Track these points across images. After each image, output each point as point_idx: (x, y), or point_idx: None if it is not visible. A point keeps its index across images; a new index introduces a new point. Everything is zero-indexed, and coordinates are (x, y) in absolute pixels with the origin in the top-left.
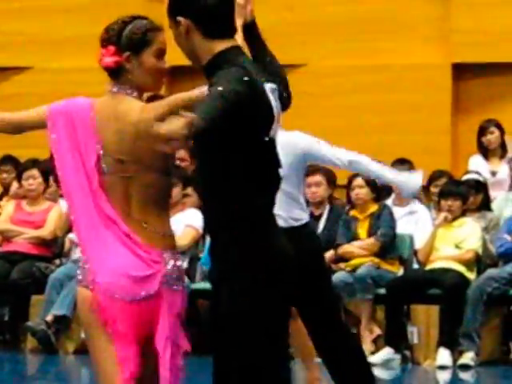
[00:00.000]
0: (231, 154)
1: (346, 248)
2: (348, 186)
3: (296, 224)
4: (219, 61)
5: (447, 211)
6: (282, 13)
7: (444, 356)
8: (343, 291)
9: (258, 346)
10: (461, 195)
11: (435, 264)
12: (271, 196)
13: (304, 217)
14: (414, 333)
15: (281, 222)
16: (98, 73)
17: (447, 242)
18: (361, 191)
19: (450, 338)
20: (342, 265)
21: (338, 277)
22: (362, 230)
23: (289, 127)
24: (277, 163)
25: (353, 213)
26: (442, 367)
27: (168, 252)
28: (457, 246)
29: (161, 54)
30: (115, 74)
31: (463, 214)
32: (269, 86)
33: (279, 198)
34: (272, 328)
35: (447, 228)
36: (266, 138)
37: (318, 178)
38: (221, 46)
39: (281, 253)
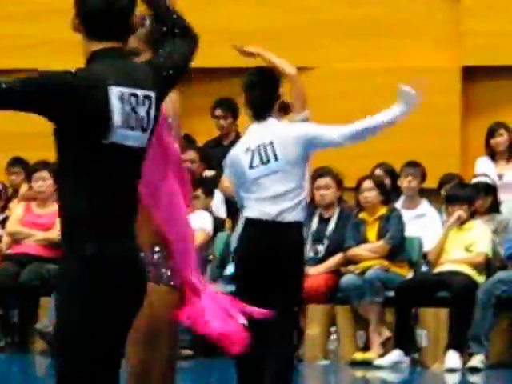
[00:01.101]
0: (64, 151)
1: (355, 251)
2: (357, 189)
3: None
4: (89, 60)
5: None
6: (294, 15)
7: (453, 359)
8: (352, 294)
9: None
10: (467, 199)
11: (444, 267)
12: (108, 203)
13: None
14: (422, 335)
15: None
16: None
17: (457, 244)
18: (370, 194)
19: (459, 341)
20: (351, 267)
21: (347, 280)
22: (371, 232)
23: None
24: (125, 171)
25: (362, 215)
26: (451, 370)
27: None
28: (466, 249)
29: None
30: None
31: (472, 216)
32: (128, 92)
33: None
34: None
35: (457, 231)
36: (105, 142)
37: (326, 180)
38: (97, 46)
39: (106, 261)
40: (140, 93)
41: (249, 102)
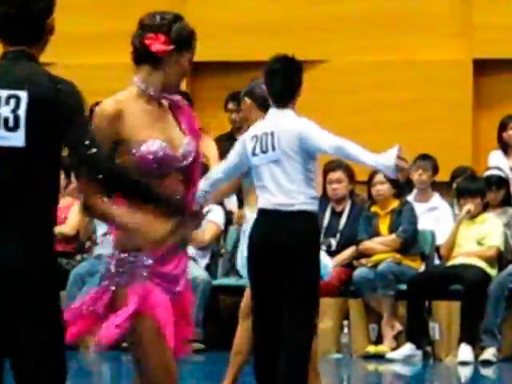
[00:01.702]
0: None
1: (368, 244)
2: (369, 183)
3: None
4: None
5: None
6: (304, 8)
7: (465, 352)
8: (365, 287)
9: None
10: (478, 191)
11: (457, 260)
12: None
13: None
14: (435, 329)
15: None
16: (118, 69)
17: (469, 238)
18: (382, 187)
19: (471, 334)
20: (363, 261)
21: (360, 273)
22: (383, 226)
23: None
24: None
25: (374, 209)
26: (464, 363)
27: None
28: (479, 243)
29: (191, 60)
30: (152, 61)
31: (484, 209)
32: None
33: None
34: None
35: (469, 224)
36: None
37: (338, 174)
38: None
39: None
40: (5, 93)
41: (269, 90)
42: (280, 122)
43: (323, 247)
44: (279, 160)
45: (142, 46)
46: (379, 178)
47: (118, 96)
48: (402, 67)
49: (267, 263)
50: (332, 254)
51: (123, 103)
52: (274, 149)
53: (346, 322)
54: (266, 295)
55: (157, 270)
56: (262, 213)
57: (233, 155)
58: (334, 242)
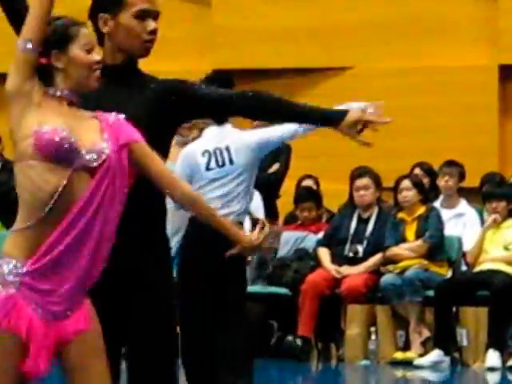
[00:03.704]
0: None
1: (395, 250)
2: (395, 189)
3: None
4: None
5: (493, 213)
6: (332, 15)
7: (493, 358)
8: (392, 293)
9: None
10: (505, 196)
11: (484, 266)
12: None
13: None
14: (462, 335)
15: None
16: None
17: (496, 243)
18: (408, 193)
19: (499, 340)
20: (390, 267)
21: (387, 279)
22: (410, 232)
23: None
24: None
25: (400, 215)
26: (492, 369)
27: None
28: (505, 248)
29: (89, 47)
30: (45, 77)
31: (510, 214)
32: None
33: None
34: None
35: (495, 230)
36: None
37: (365, 181)
38: None
39: None
40: None
41: None
42: (232, 137)
43: (350, 254)
44: (235, 173)
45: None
46: (406, 184)
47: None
48: (428, 73)
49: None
50: (359, 260)
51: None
52: (231, 163)
53: (373, 329)
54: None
55: (32, 283)
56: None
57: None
58: (360, 249)
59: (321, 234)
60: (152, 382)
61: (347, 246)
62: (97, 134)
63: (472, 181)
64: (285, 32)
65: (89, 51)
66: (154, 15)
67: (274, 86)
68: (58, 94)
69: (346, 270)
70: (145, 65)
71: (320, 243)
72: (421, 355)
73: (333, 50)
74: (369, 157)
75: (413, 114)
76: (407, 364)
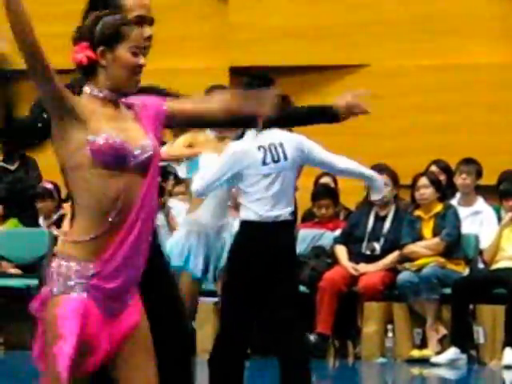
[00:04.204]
0: None
1: (411, 248)
2: (413, 186)
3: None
4: None
5: (510, 211)
6: (347, 13)
7: (510, 356)
8: (409, 291)
9: None
10: None
11: (501, 264)
12: None
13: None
14: (479, 333)
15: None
16: (154, 73)
17: None
18: (426, 191)
19: None
20: (407, 265)
21: (404, 277)
22: (427, 229)
23: (354, 128)
24: None
25: (417, 213)
26: (508, 367)
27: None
28: None
29: (136, 49)
30: (88, 72)
31: None
32: None
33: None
34: None
35: None
36: None
37: (383, 178)
38: None
39: None
40: None
41: None
42: (284, 133)
43: (367, 251)
44: (289, 169)
45: (74, 62)
46: (423, 181)
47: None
48: (445, 71)
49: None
50: (376, 258)
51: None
52: (286, 158)
53: (390, 326)
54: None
55: (99, 284)
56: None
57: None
58: (377, 247)
59: (338, 232)
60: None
61: (364, 244)
62: (140, 131)
63: (489, 179)
64: (300, 29)
65: (135, 54)
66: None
67: (289, 83)
68: (101, 95)
69: (363, 267)
70: (161, 62)
71: (337, 241)
72: (437, 353)
73: (348, 47)
74: (386, 154)
75: (428, 112)
76: (424, 362)
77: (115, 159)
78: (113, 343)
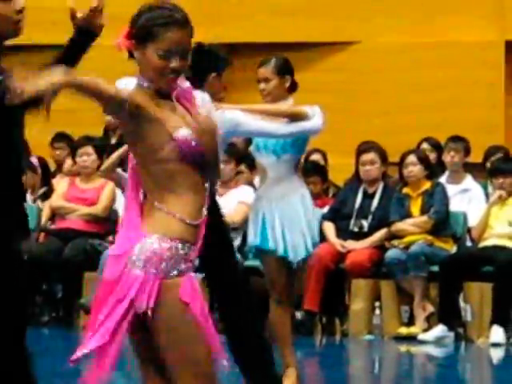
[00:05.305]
0: None
1: (399, 225)
2: (401, 164)
3: None
4: None
5: (499, 189)
6: None
7: (497, 333)
8: (396, 268)
9: None
10: (511, 171)
11: (489, 241)
12: None
13: None
14: (467, 310)
15: None
16: None
17: (501, 219)
18: (414, 169)
19: (503, 316)
20: (395, 242)
21: (391, 254)
22: (415, 207)
23: (343, 104)
24: None
25: (406, 190)
26: (496, 345)
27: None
28: (510, 224)
29: (165, 53)
30: (130, 55)
31: None
32: None
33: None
34: None
35: (501, 206)
36: None
37: (371, 156)
38: None
39: None
40: None
41: None
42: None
43: (355, 228)
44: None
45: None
46: (411, 159)
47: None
48: (434, 48)
49: None
50: (364, 235)
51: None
52: None
53: (377, 304)
54: None
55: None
56: None
57: None
58: (365, 224)
59: (326, 209)
60: None
61: (352, 221)
62: (189, 117)
63: (477, 156)
64: (291, 6)
65: (163, 56)
66: None
67: None
68: (150, 87)
69: (350, 244)
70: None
71: (325, 217)
72: (425, 330)
73: (340, 24)
74: (375, 132)
75: (418, 89)
76: (411, 339)
77: (199, 157)
78: None
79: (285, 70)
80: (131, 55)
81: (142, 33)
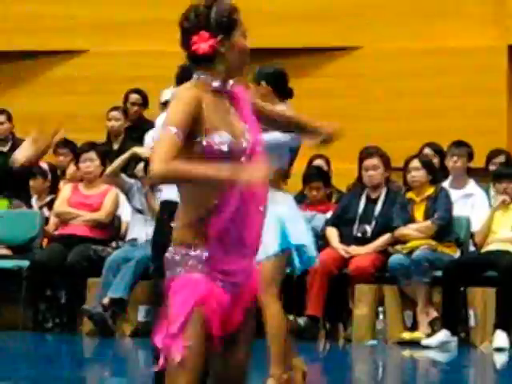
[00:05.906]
0: None
1: (403, 231)
2: (404, 169)
3: None
4: None
5: (503, 194)
6: None
7: (501, 338)
8: (400, 274)
9: None
10: None
11: (492, 246)
12: None
13: None
14: (470, 315)
15: None
16: (153, 56)
17: (504, 224)
18: (417, 174)
19: (506, 321)
20: (398, 247)
21: (395, 259)
22: (419, 212)
23: (345, 109)
24: None
25: (409, 195)
26: (499, 349)
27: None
28: None
29: (246, 33)
30: (205, 60)
31: None
32: None
33: None
34: None
35: (504, 210)
36: None
37: (374, 161)
38: None
39: None
40: None
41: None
42: None
43: (358, 234)
44: None
45: (191, 52)
46: (415, 164)
47: (188, 85)
48: (436, 54)
49: None
50: (367, 240)
51: (200, 93)
52: None
53: (381, 309)
54: None
55: (217, 265)
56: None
57: None
58: (369, 229)
59: (329, 214)
60: None
61: (355, 226)
62: (241, 123)
63: (480, 161)
64: (293, 12)
65: (245, 37)
66: None
67: (282, 66)
68: (216, 85)
69: (354, 249)
70: (156, 44)
71: (328, 223)
72: (428, 335)
73: (341, 30)
74: (378, 137)
75: (420, 95)
76: (415, 344)
77: (230, 158)
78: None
79: (260, 77)
80: (205, 59)
81: (225, 25)
